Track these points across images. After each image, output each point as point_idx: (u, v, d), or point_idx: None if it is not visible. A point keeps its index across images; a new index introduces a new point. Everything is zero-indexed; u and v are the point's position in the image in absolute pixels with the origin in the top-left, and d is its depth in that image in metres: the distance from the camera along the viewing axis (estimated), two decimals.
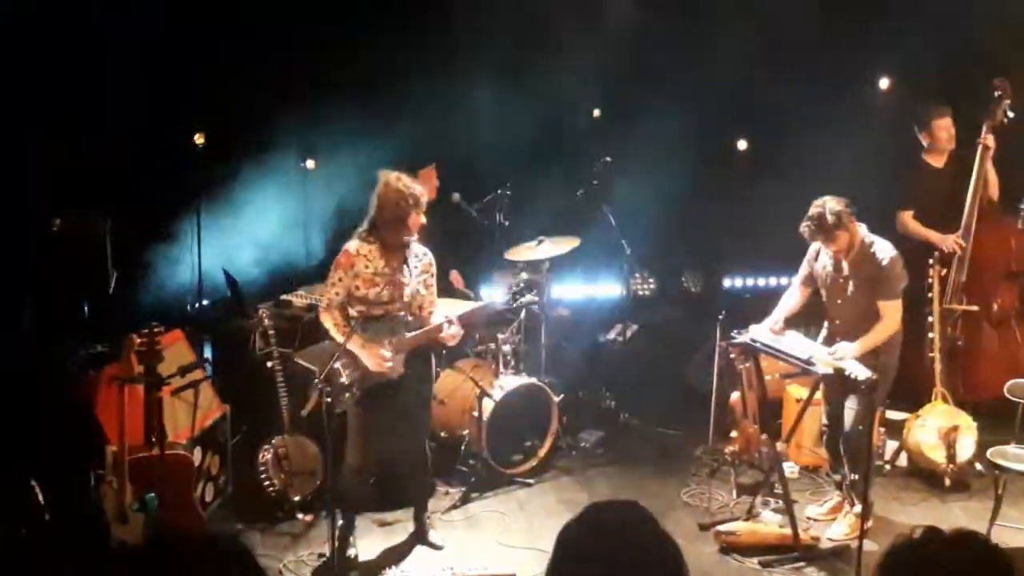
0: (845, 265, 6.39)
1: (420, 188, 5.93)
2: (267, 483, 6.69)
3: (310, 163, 9.13)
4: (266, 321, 6.82)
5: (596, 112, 10.12)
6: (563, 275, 9.38)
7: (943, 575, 2.19)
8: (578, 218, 8.50)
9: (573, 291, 9.70)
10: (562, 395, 7.74)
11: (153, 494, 5.51)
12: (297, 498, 6.74)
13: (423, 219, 5.93)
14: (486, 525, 6.76)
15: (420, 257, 6.03)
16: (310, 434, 6.68)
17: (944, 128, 7.94)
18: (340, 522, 6.00)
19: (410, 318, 6.00)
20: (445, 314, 6.07)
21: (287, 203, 8.95)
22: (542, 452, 7.56)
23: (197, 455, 6.41)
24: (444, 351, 7.15)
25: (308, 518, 6.69)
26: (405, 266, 5.95)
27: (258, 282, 8.52)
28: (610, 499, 2.48)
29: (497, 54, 9.10)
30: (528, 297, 7.78)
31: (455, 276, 8.30)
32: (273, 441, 6.72)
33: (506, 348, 7.64)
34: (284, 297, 7.68)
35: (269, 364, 6.70)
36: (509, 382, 7.40)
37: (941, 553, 2.21)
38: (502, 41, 9.03)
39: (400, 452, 6.29)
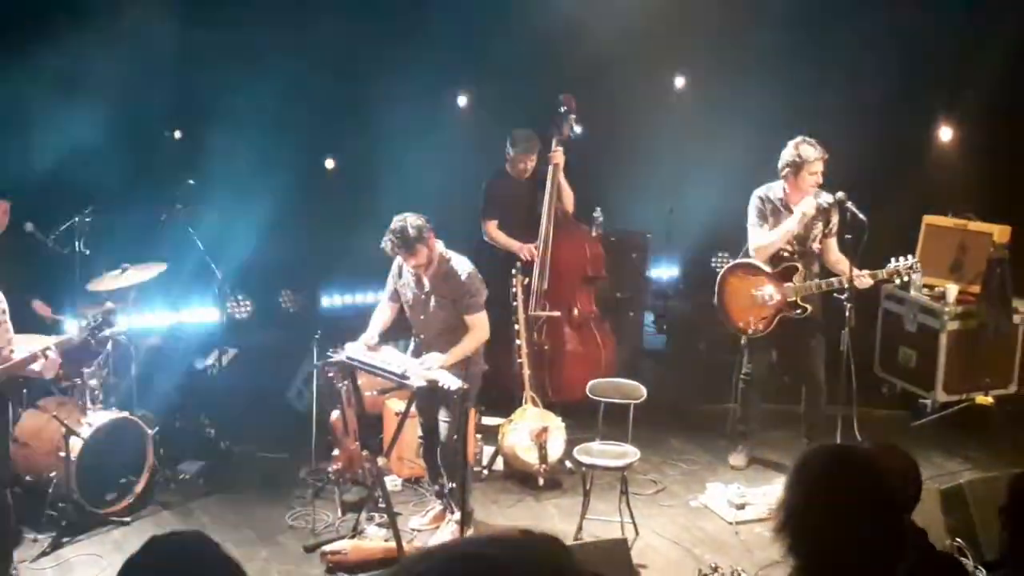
0: (426, 281, 6.55)
1: None
2: None
3: None
4: None
5: (177, 134, 9.81)
6: (152, 303, 9.03)
7: None
8: (164, 243, 8.21)
9: (163, 319, 9.36)
10: (157, 427, 7.45)
11: None
12: None
13: None
14: (80, 569, 6.40)
15: None
16: None
17: (526, 162, 8.32)
18: None
19: None
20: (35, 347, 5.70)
21: None
22: (138, 488, 7.23)
23: None
24: (25, 390, 6.71)
25: None
26: None
27: None
28: (172, 530, 2.44)
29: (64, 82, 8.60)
30: (111, 329, 7.42)
31: (39, 306, 7.79)
32: None
33: (92, 383, 7.26)
34: None
35: None
36: (98, 418, 7.03)
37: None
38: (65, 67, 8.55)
39: None
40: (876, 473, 2.65)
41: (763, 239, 7.43)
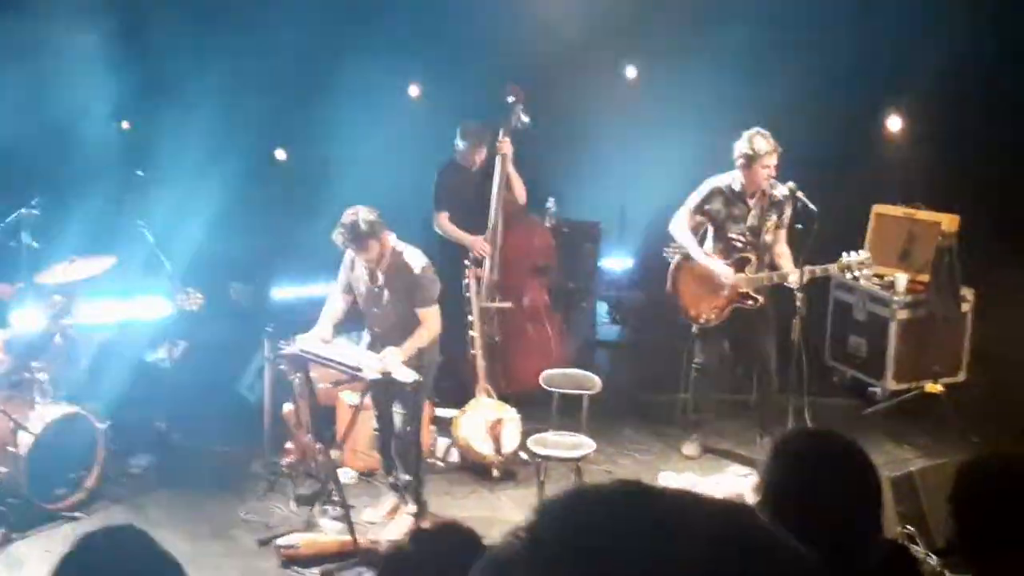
0: (380, 275, 6.52)
1: None
2: None
3: None
4: None
5: (125, 124, 9.70)
6: (101, 295, 8.92)
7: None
8: (113, 235, 8.12)
9: (113, 311, 9.25)
10: (108, 421, 7.37)
11: None
12: None
13: None
14: (30, 566, 6.28)
15: None
16: None
17: (476, 153, 8.31)
18: None
19: None
20: None
21: None
22: (89, 483, 7.15)
23: None
24: None
25: None
26: None
27: None
28: (107, 526, 2.44)
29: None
30: (70, 318, 7.34)
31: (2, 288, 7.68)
32: None
33: (42, 376, 7.17)
34: None
35: None
36: (48, 412, 6.94)
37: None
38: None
39: None
40: (858, 452, 2.69)
41: (679, 229, 7.54)
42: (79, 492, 7.06)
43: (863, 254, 7.42)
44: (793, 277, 7.26)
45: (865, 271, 7.66)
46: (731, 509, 1.31)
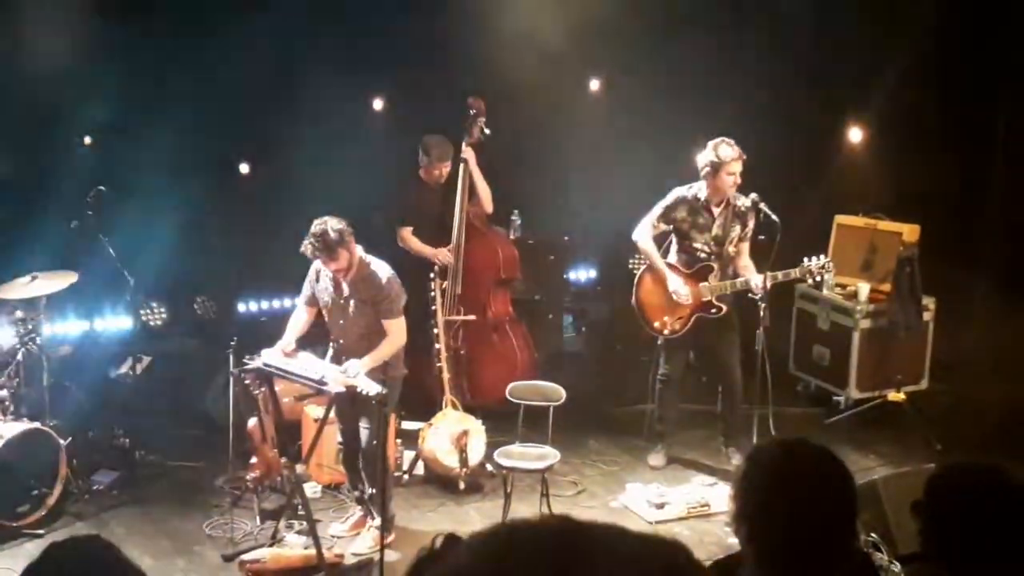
0: (345, 286, 6.51)
1: None
2: None
3: None
4: None
5: (87, 140, 9.62)
6: (63, 311, 8.86)
7: None
8: (75, 251, 8.06)
9: (75, 327, 9.19)
10: (70, 438, 7.30)
11: None
12: None
13: None
14: None
15: None
16: None
17: (439, 169, 8.31)
18: None
19: None
20: None
21: None
22: (51, 500, 7.09)
23: None
24: None
25: None
26: None
27: None
28: (72, 536, 2.43)
29: None
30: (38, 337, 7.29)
31: None
32: None
33: (3, 393, 7.10)
34: None
35: None
36: (8, 429, 6.88)
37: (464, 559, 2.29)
38: None
39: None
40: (832, 460, 2.69)
41: (643, 237, 7.59)
42: (41, 509, 7.00)
43: (824, 259, 7.49)
44: (756, 281, 7.31)
45: (827, 276, 7.73)
46: (657, 542, 1.32)
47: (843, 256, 8.69)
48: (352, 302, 6.50)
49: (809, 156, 9.80)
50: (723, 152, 7.25)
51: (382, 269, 6.52)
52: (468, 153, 8.20)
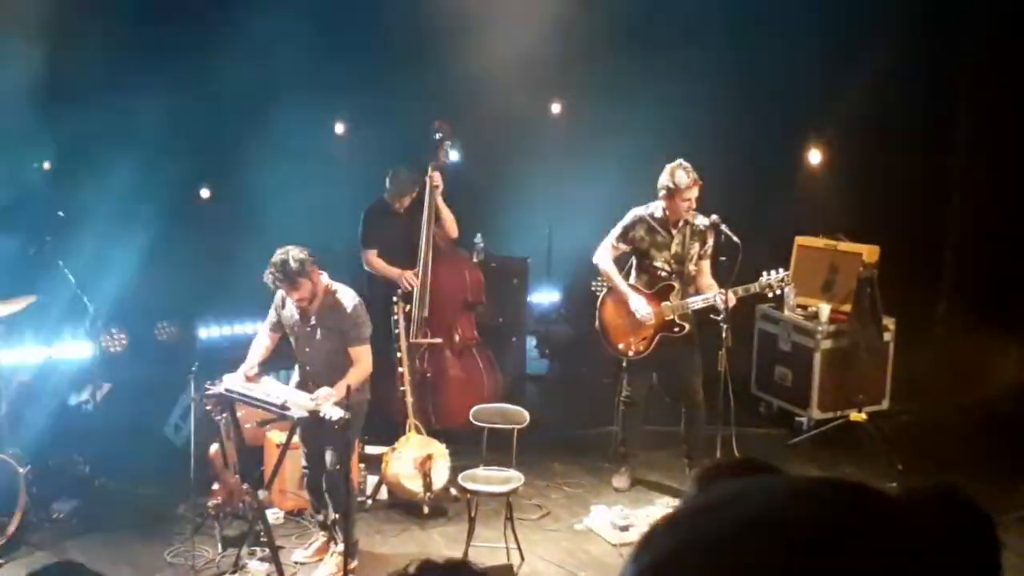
0: (312, 314, 6.48)
1: None
2: None
3: None
4: None
5: (47, 164, 9.55)
6: (21, 338, 8.76)
7: None
8: (33, 277, 7.97)
9: (34, 354, 9.08)
10: (29, 466, 7.21)
11: None
12: None
13: None
14: None
15: None
16: None
17: (404, 197, 8.32)
18: None
19: None
20: None
21: None
22: (11, 529, 6.99)
23: None
24: None
25: None
26: None
27: None
28: (44, 564, 2.40)
29: None
30: None
31: None
32: None
33: None
34: None
35: None
36: None
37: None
38: None
39: None
40: None
41: (603, 259, 7.63)
42: (0, 538, 6.90)
43: (783, 272, 7.55)
44: (716, 296, 7.34)
45: (787, 289, 7.77)
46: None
47: (804, 277, 8.75)
48: (319, 329, 6.47)
49: (770, 177, 9.88)
50: (679, 177, 7.29)
51: (348, 296, 6.49)
52: (436, 178, 8.19)
